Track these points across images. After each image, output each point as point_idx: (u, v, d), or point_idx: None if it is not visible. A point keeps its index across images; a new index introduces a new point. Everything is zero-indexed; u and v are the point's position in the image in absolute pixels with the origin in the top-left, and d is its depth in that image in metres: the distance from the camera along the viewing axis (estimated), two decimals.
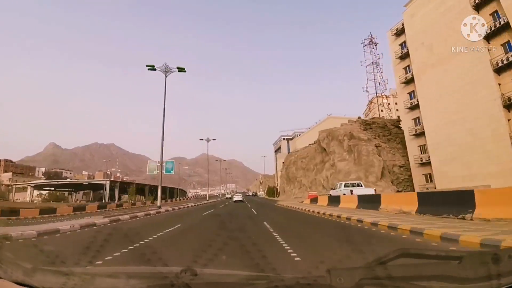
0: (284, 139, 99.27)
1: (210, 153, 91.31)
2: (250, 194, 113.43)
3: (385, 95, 67.02)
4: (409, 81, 33.44)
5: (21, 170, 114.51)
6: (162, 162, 26.22)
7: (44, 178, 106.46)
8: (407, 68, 34.04)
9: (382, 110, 64.85)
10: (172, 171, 28.70)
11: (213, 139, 51.38)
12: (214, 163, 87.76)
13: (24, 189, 77.09)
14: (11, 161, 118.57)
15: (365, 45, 65.90)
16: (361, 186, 23.55)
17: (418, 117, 32.26)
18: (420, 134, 31.87)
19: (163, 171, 26.61)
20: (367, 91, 65.04)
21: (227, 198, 62.84)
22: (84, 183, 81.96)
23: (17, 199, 65.98)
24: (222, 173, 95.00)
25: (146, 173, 29.93)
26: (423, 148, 31.97)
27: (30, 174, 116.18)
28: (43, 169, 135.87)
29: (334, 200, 19.41)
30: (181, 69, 25.95)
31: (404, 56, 34.07)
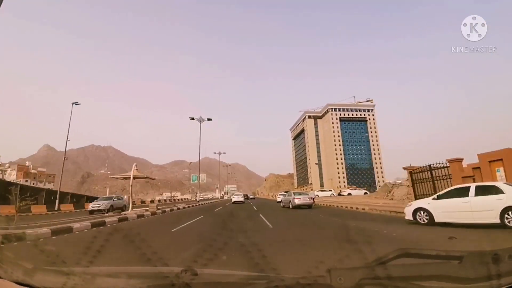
0: (310, 117, 75.61)
1: (212, 157, 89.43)
2: (281, 196, 31.92)
3: None
4: None
5: None
6: None
7: None
8: None
9: None
10: None
11: (208, 119, 39.29)
12: (217, 167, 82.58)
13: None
14: None
15: None
16: None
17: None
18: None
19: None
20: None
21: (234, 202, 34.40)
22: None
23: None
24: (222, 171, 79.48)
25: None
26: None
27: None
28: None
29: None
30: None
31: None
